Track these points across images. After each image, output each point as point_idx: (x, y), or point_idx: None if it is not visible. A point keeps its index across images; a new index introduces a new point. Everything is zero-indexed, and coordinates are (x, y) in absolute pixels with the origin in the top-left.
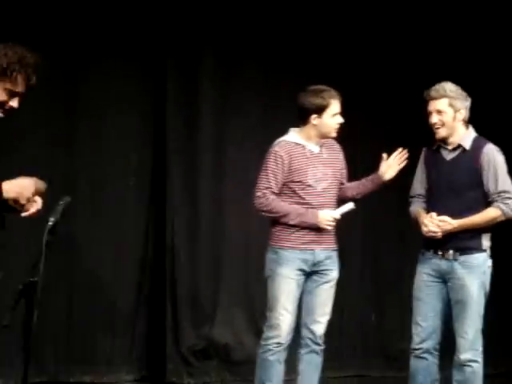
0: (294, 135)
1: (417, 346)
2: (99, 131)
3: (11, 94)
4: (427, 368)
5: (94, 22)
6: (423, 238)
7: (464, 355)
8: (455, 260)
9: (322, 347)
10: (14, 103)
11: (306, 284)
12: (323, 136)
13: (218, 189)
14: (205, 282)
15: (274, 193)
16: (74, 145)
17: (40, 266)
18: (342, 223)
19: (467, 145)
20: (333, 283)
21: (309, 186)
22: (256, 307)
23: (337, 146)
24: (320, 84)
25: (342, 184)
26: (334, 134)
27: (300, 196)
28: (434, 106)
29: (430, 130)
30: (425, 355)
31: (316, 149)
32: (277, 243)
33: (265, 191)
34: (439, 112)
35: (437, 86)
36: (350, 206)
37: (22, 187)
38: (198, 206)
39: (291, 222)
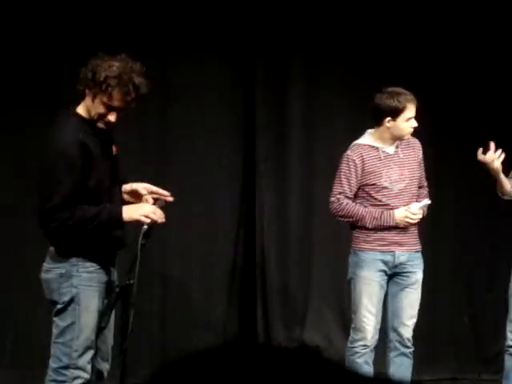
0: (368, 137)
1: (511, 343)
2: (190, 138)
3: (109, 108)
4: None
5: (184, 29)
6: None
7: None
8: None
9: (412, 349)
10: (112, 117)
11: (390, 286)
12: (396, 138)
13: (307, 191)
14: (295, 283)
15: (348, 197)
16: (166, 150)
17: (136, 269)
18: (432, 223)
19: None
20: (417, 285)
21: (384, 188)
22: (347, 308)
23: (416, 144)
24: (407, 84)
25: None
26: (407, 137)
27: (376, 199)
28: None
29: None
30: None
31: (391, 150)
32: (357, 245)
33: (338, 196)
34: None
35: None
36: (426, 201)
37: (139, 211)
38: (287, 208)
39: (368, 226)
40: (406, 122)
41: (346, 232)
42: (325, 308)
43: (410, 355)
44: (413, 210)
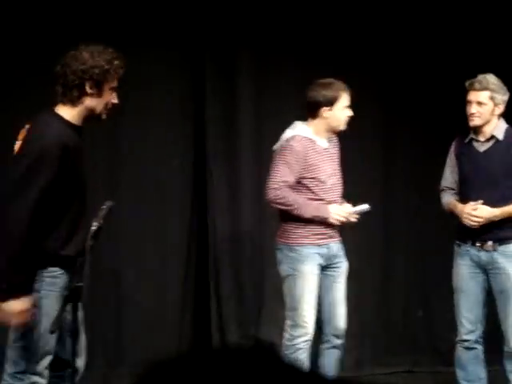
0: (305, 130)
1: (464, 337)
2: (140, 132)
3: (113, 91)
4: (476, 359)
5: (132, 22)
6: (458, 231)
7: None
8: (495, 250)
9: (343, 342)
10: (115, 99)
11: (323, 280)
12: (333, 130)
13: (258, 186)
14: (249, 281)
15: (289, 186)
16: (116, 145)
17: (85, 271)
18: (385, 218)
19: (500, 136)
20: (346, 274)
21: (321, 181)
22: None
23: (337, 142)
24: (356, 77)
25: None
26: (343, 127)
27: (313, 192)
28: (475, 96)
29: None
30: (473, 345)
31: (325, 144)
32: (294, 241)
33: (281, 184)
34: (479, 103)
35: (480, 78)
36: (365, 206)
37: None
38: (240, 206)
39: (305, 216)
40: (342, 110)
41: None
42: (279, 305)
43: (342, 347)
44: (347, 210)
